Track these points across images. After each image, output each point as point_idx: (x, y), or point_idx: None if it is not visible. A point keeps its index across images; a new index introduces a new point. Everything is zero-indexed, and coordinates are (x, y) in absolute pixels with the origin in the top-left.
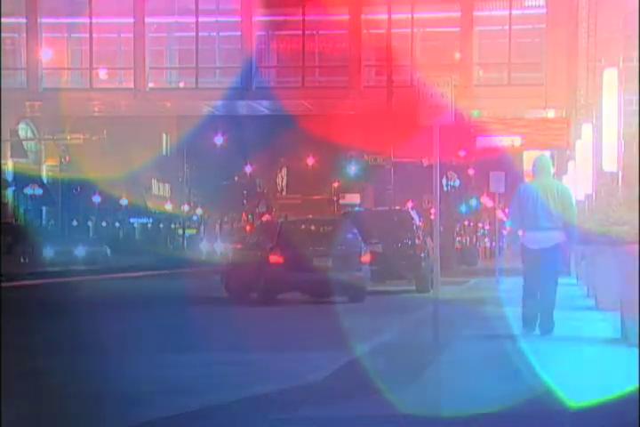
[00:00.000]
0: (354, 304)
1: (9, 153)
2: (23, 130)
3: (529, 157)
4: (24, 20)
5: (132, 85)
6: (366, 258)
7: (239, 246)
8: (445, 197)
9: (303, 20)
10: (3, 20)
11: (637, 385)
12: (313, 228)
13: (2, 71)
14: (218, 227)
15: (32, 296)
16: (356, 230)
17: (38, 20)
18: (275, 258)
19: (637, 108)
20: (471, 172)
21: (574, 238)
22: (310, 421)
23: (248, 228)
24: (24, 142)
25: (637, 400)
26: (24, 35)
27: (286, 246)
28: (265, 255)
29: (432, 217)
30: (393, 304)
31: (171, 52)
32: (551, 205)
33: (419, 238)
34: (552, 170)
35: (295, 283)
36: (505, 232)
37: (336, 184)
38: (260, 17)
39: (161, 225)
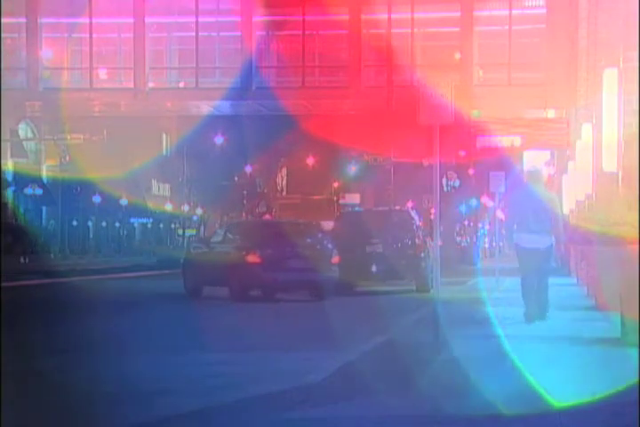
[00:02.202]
0: (353, 304)
1: (9, 153)
2: (23, 130)
3: (529, 157)
4: (24, 20)
5: (132, 85)
6: (335, 260)
7: (202, 246)
8: (445, 197)
9: (303, 20)
10: (3, 20)
11: (637, 385)
12: (286, 229)
13: (1, 71)
14: (218, 227)
15: (32, 296)
16: (325, 233)
17: (38, 20)
18: (252, 257)
19: (637, 108)
20: (471, 172)
21: (562, 241)
22: (310, 421)
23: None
24: (24, 142)
25: (637, 401)
26: (24, 35)
27: (262, 247)
28: (239, 255)
29: (432, 217)
30: (393, 304)
31: (171, 52)
32: (541, 212)
33: (419, 238)
34: (543, 180)
35: (270, 282)
36: (504, 232)
37: (336, 184)
38: (259, 17)
39: (161, 225)
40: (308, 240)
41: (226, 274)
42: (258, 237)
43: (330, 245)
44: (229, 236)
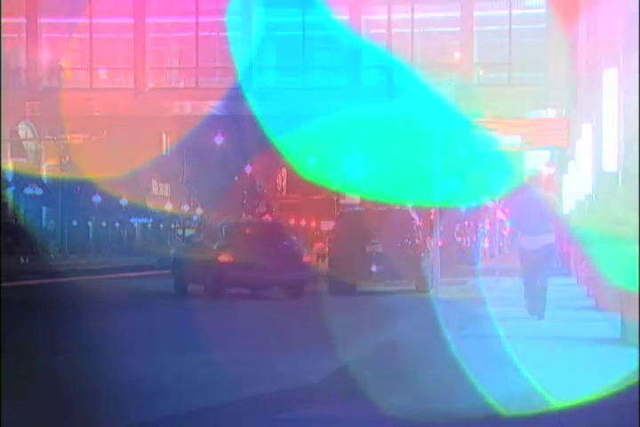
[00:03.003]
0: (353, 304)
1: (9, 153)
2: (23, 130)
3: (529, 157)
4: (24, 20)
5: (132, 85)
6: (307, 258)
7: (188, 245)
8: None
9: (303, 20)
10: (2, 20)
11: (637, 385)
12: (258, 230)
13: (2, 71)
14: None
15: (32, 296)
16: (296, 233)
17: (38, 20)
18: (224, 257)
19: (637, 108)
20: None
21: (563, 239)
22: (310, 421)
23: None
24: (24, 142)
25: (637, 400)
26: (24, 35)
27: (235, 246)
28: (213, 254)
29: (432, 217)
30: (393, 304)
31: (171, 52)
32: (542, 213)
33: (419, 238)
34: (543, 181)
35: (241, 280)
36: (505, 233)
37: None
38: (259, 17)
39: (161, 225)
40: (281, 240)
41: (201, 272)
42: (232, 236)
43: (301, 245)
44: (209, 235)
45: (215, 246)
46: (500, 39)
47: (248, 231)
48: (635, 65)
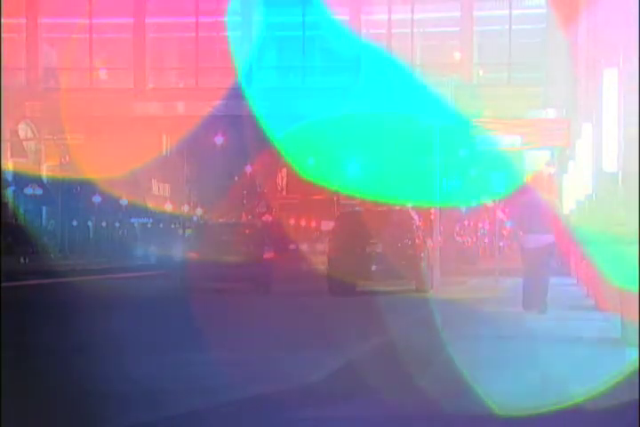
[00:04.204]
0: (353, 304)
1: (9, 153)
2: (23, 130)
3: (529, 157)
4: (24, 20)
5: (131, 85)
6: (268, 255)
7: (182, 246)
8: None
9: (303, 20)
10: (2, 20)
11: (637, 385)
12: (230, 230)
13: (2, 71)
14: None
15: (32, 296)
16: (263, 232)
17: (38, 20)
18: (191, 254)
19: (637, 108)
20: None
21: (564, 240)
22: (310, 421)
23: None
24: (24, 142)
25: (637, 400)
26: (24, 35)
27: (202, 245)
28: (185, 252)
29: (432, 217)
30: (393, 304)
31: (171, 52)
32: (543, 214)
33: (419, 238)
34: (543, 185)
35: (207, 275)
36: (505, 233)
37: None
38: (259, 17)
39: (161, 225)
40: (247, 239)
41: (179, 268)
42: (205, 235)
43: (266, 244)
44: (193, 235)
45: (188, 245)
46: (500, 39)
47: (220, 231)
48: (635, 65)
